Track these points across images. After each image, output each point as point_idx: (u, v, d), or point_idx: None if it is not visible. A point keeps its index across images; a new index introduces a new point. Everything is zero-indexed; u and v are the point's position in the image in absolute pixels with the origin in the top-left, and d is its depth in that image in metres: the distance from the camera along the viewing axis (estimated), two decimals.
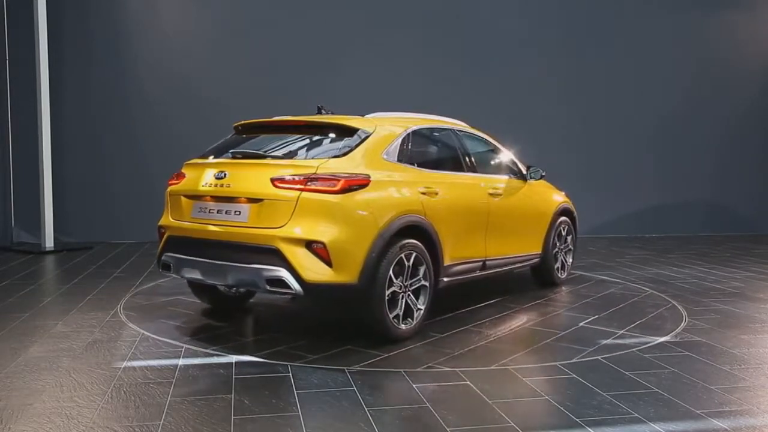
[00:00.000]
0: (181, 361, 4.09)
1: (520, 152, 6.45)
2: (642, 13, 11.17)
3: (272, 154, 4.71)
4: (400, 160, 4.83)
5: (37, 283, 6.64)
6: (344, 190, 4.27)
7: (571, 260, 6.95)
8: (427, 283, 4.74)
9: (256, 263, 4.25)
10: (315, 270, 4.16)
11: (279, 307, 5.73)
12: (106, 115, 9.52)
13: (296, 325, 5.20)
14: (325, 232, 4.17)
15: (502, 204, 5.73)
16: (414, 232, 4.68)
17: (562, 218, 6.70)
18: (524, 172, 6.23)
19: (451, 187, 5.18)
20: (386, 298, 4.41)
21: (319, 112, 5.23)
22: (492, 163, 6.13)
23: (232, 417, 3.22)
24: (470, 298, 6.03)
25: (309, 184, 4.22)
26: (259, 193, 4.31)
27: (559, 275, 6.71)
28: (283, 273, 4.15)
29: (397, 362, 4.15)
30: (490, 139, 6.13)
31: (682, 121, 11.40)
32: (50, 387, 3.61)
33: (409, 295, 4.63)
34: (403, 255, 4.52)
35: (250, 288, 4.55)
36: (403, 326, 4.57)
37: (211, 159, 4.83)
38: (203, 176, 4.61)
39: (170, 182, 4.92)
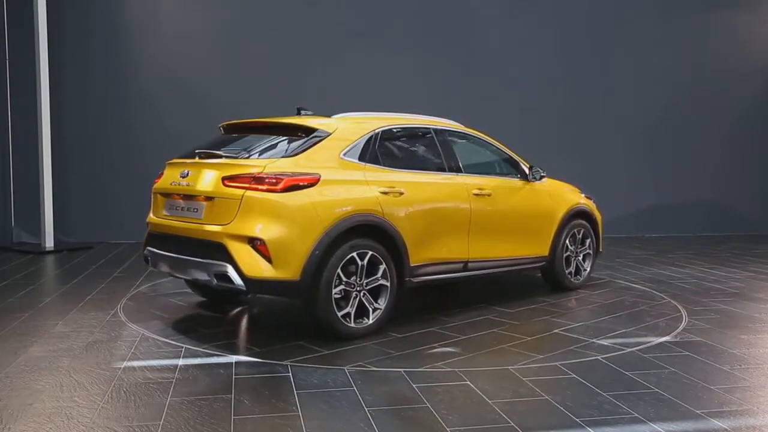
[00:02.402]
0: (181, 361, 4.09)
1: (518, 152, 6.34)
2: (641, 12, 11.16)
3: (234, 153, 4.84)
4: (362, 159, 4.86)
5: (37, 283, 6.64)
6: (287, 189, 4.38)
7: (589, 265, 6.63)
8: (387, 283, 4.75)
9: (208, 258, 4.46)
10: (256, 266, 4.30)
11: (280, 304, 5.73)
12: (106, 115, 9.52)
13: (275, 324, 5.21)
14: (265, 230, 4.30)
15: (490, 204, 5.61)
16: (371, 232, 4.71)
17: (577, 221, 6.44)
18: (527, 172, 6.08)
19: (421, 187, 5.13)
20: (333, 296, 4.47)
21: (299, 113, 5.29)
22: (484, 163, 6.03)
23: (232, 417, 3.22)
24: (457, 300, 6.03)
25: (253, 183, 4.38)
26: (211, 192, 4.53)
27: (572, 280, 6.43)
28: (228, 268, 4.33)
29: (331, 359, 4.17)
30: (486, 140, 6.00)
31: (681, 121, 11.39)
32: (50, 387, 3.62)
33: (364, 294, 4.65)
34: (355, 254, 4.56)
35: (205, 283, 4.71)
36: (355, 325, 4.60)
37: (182, 159, 5.06)
38: (173, 175, 4.90)
39: (155, 180, 5.16)
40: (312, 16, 9.98)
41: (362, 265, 4.61)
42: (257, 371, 3.93)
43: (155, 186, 5.09)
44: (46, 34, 8.77)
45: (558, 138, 10.76)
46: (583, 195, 6.71)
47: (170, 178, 4.90)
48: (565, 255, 6.34)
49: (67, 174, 9.37)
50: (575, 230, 6.43)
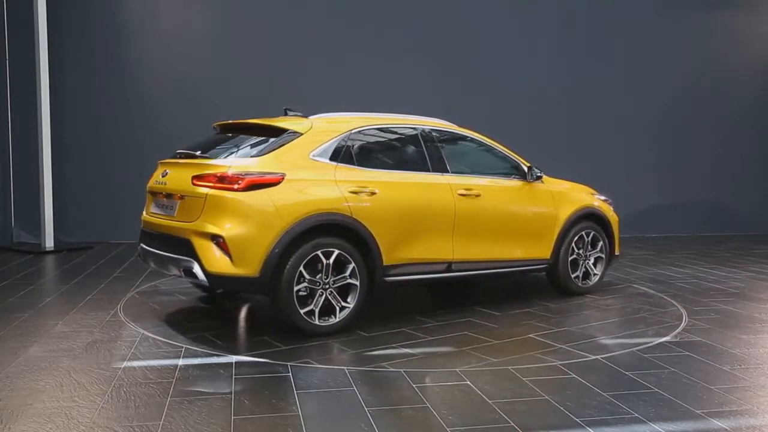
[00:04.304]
0: (181, 361, 4.09)
1: (518, 152, 6.26)
2: (641, 12, 11.16)
3: (210, 153, 4.99)
4: (334, 159, 4.89)
5: (37, 283, 6.64)
6: (248, 188, 4.51)
7: (601, 269, 6.34)
8: (356, 282, 4.77)
9: (178, 254, 4.69)
10: (218, 262, 4.47)
11: None
12: (106, 115, 9.52)
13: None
14: (225, 227, 4.46)
15: (478, 205, 5.49)
16: (339, 231, 4.75)
17: (585, 223, 6.19)
18: (526, 172, 5.93)
19: (396, 186, 5.09)
20: (296, 293, 4.55)
21: (286, 114, 5.36)
22: (476, 163, 5.91)
23: (232, 417, 3.22)
24: (448, 301, 6.01)
25: (217, 182, 4.55)
26: (183, 191, 4.75)
27: (579, 284, 6.18)
28: (194, 264, 4.54)
29: (282, 356, 4.23)
30: (481, 140, 5.88)
31: (681, 121, 11.38)
32: (50, 387, 3.62)
33: (331, 292, 4.69)
34: (319, 252, 4.61)
35: (179, 277, 4.94)
36: (320, 322, 4.65)
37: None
38: (157, 174, 5.16)
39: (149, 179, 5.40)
40: (313, 15, 9.98)
41: (327, 264, 4.65)
42: (257, 371, 3.93)
43: (147, 185, 5.33)
44: (46, 34, 8.76)
45: (558, 138, 10.75)
46: (597, 196, 6.50)
47: (156, 177, 5.16)
48: (570, 258, 6.10)
49: (67, 174, 9.36)
50: (583, 233, 6.18)
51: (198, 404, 3.38)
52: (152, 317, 5.24)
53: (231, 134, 5.32)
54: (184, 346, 4.44)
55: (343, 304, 4.75)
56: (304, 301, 4.61)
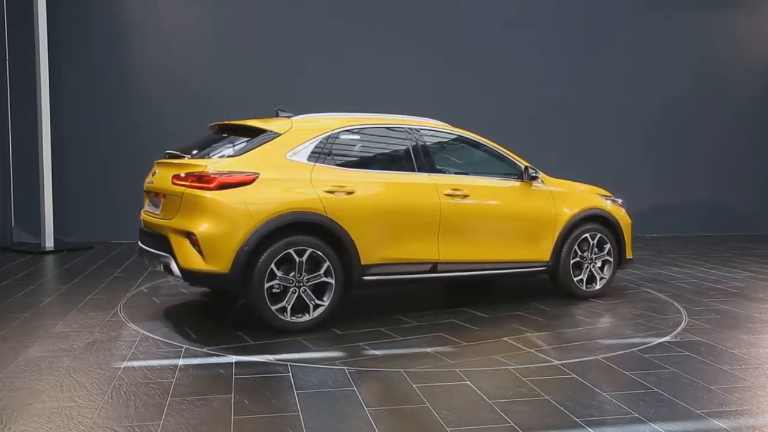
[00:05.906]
0: (181, 361, 4.10)
1: (518, 152, 6.18)
2: (641, 12, 11.15)
3: (195, 154, 5.11)
4: (312, 159, 4.95)
5: (37, 283, 6.64)
6: (220, 187, 4.62)
7: (609, 273, 6.11)
8: (331, 280, 4.80)
9: (160, 251, 4.89)
10: (191, 259, 4.63)
11: None
12: (106, 115, 9.51)
13: None
14: (198, 225, 4.60)
15: (467, 205, 5.41)
16: (313, 229, 4.79)
17: (590, 225, 6.02)
18: (523, 172, 5.80)
19: (376, 186, 5.09)
20: (267, 290, 4.64)
21: (277, 114, 5.39)
22: (468, 163, 5.86)
23: (232, 417, 3.23)
24: (441, 301, 6.01)
25: (193, 181, 4.70)
26: (165, 190, 4.94)
27: (583, 288, 5.97)
28: (171, 260, 4.73)
29: (256, 349, 4.33)
30: (475, 139, 5.78)
31: (681, 121, 11.38)
32: (50, 387, 3.62)
33: (305, 290, 4.73)
34: (292, 251, 4.67)
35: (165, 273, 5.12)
36: (293, 319, 4.71)
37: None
38: (150, 174, 5.34)
39: None
40: (313, 15, 9.97)
41: (300, 262, 4.70)
42: (257, 371, 3.93)
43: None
44: (46, 34, 8.76)
45: (558, 138, 10.74)
46: (608, 198, 6.37)
47: (148, 176, 5.35)
48: (573, 261, 5.93)
49: (67, 174, 9.36)
50: (588, 235, 5.99)
51: (198, 404, 3.38)
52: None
53: (224, 134, 5.39)
54: (184, 346, 4.44)
55: (318, 302, 4.78)
56: (278, 298, 4.68)
